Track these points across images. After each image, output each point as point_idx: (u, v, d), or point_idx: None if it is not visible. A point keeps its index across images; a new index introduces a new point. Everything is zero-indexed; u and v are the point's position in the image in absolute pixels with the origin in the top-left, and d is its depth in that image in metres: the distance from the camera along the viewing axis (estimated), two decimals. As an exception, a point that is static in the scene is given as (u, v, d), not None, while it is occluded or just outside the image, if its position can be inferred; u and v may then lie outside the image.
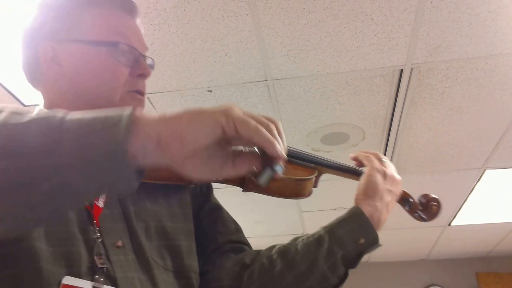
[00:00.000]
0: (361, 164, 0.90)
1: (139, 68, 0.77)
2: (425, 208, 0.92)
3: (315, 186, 0.90)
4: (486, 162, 2.77)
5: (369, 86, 2.08)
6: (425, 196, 0.93)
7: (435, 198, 0.92)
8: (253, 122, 0.49)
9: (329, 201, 3.25)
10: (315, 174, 0.88)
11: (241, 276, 0.82)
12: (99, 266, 0.64)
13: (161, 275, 0.72)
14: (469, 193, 3.17)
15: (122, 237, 0.70)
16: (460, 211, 3.45)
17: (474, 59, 1.91)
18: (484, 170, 2.88)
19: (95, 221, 0.67)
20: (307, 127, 2.39)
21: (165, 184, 0.78)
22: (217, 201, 0.93)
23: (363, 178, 0.86)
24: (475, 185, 3.07)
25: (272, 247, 0.85)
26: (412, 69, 1.97)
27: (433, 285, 4.57)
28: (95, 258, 0.64)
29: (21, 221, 0.49)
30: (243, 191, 0.83)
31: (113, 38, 0.75)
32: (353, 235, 0.79)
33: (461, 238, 4.14)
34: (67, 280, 0.59)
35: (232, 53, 1.86)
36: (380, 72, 2.00)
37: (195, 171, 0.49)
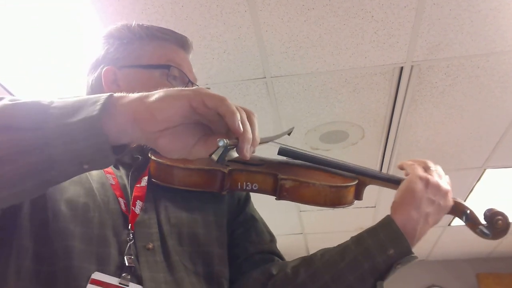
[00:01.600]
0: (407, 173, 0.85)
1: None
2: (489, 223, 0.83)
3: (358, 198, 0.86)
4: (486, 161, 2.75)
5: (368, 84, 2.07)
6: (490, 210, 0.85)
7: (501, 212, 0.84)
8: (219, 96, 0.52)
9: (329, 201, 3.24)
10: (354, 183, 0.84)
11: (265, 286, 0.82)
12: (127, 264, 0.68)
13: (188, 278, 0.74)
14: (469, 193, 3.16)
15: (154, 241, 0.74)
16: (461, 211, 3.43)
17: (475, 57, 1.90)
18: (485, 170, 2.86)
19: (130, 225, 0.72)
20: (306, 125, 2.38)
21: (200, 192, 0.81)
22: (253, 212, 0.94)
23: (401, 185, 0.81)
24: (475, 184, 3.05)
25: (301, 257, 0.85)
26: (412, 66, 1.96)
27: (433, 286, 4.55)
28: (125, 258, 0.69)
29: (10, 192, 0.53)
30: (276, 199, 0.82)
31: (165, 62, 0.86)
32: (381, 245, 0.75)
33: (462, 239, 4.12)
34: (96, 275, 0.65)
35: (230, 50, 1.85)
36: (380, 70, 1.98)
37: (168, 148, 0.53)
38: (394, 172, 2.84)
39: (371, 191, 3.49)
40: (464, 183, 3.04)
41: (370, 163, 2.79)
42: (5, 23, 1.70)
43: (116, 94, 0.54)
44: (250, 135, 0.52)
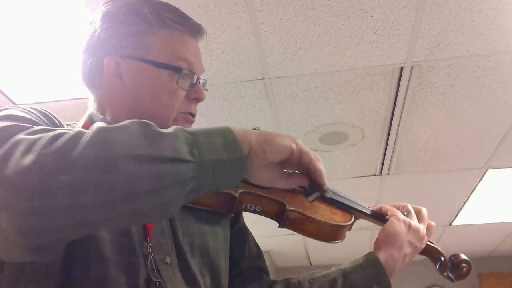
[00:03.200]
0: (385, 214, 0.93)
1: (195, 93, 0.82)
2: (454, 268, 0.95)
3: (349, 229, 0.92)
4: (488, 161, 2.74)
5: (368, 84, 2.05)
6: (456, 256, 0.95)
7: (466, 260, 0.95)
8: (313, 154, 0.65)
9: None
10: (352, 221, 0.89)
11: None
12: (154, 279, 0.68)
13: None
14: (471, 193, 3.15)
15: (170, 254, 0.73)
16: (462, 210, 3.42)
17: (475, 57, 1.88)
18: (486, 170, 2.85)
19: (148, 235, 0.72)
20: (305, 126, 2.36)
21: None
22: (244, 223, 0.95)
23: (385, 225, 0.89)
24: (477, 184, 3.04)
25: (288, 279, 0.88)
26: (412, 67, 1.94)
27: (434, 285, 4.54)
28: (149, 272, 0.68)
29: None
30: (279, 226, 0.85)
31: (176, 63, 0.80)
32: (366, 281, 0.82)
33: (463, 238, 4.11)
34: None
35: (228, 51, 1.83)
36: (380, 70, 1.97)
37: (259, 178, 0.65)
38: (394, 172, 2.82)
39: (372, 193, 3.46)
40: (465, 183, 3.03)
41: (370, 165, 2.78)
42: (1, 23, 1.69)
43: (236, 130, 0.61)
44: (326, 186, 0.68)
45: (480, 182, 3.00)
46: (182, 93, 0.81)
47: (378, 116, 2.29)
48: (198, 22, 0.86)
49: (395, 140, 2.49)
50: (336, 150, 2.60)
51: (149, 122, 0.57)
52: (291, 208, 0.81)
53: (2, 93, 2.06)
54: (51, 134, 0.52)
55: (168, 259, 0.72)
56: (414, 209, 0.93)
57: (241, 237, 0.91)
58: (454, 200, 3.28)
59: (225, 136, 0.59)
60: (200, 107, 0.89)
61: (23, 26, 1.71)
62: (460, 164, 2.77)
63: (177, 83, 0.79)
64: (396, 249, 0.85)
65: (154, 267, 0.69)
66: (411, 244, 0.87)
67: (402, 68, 1.95)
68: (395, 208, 0.92)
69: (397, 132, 2.42)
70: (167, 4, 0.83)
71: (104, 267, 0.64)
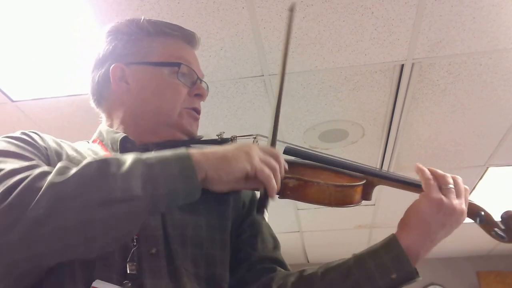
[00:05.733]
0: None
1: (197, 89, 0.88)
2: (506, 226, 0.81)
3: (367, 198, 0.83)
4: (489, 159, 2.73)
5: (368, 81, 2.04)
6: (507, 212, 0.81)
7: None
8: (267, 171, 0.69)
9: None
10: (361, 183, 0.81)
11: None
12: (129, 272, 0.69)
13: (190, 283, 0.74)
14: (472, 191, 3.11)
15: (158, 245, 0.74)
16: (462, 209, 3.41)
17: (477, 54, 1.87)
18: (487, 168, 2.84)
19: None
20: (305, 123, 2.35)
21: (205, 195, 0.82)
22: (259, 216, 0.93)
23: (413, 204, 0.76)
24: (477, 182, 3.03)
25: (302, 271, 0.83)
26: (413, 64, 1.92)
27: (433, 284, 4.54)
28: (128, 264, 0.69)
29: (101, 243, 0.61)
30: (279, 197, 0.82)
31: (175, 60, 0.87)
32: (384, 269, 0.73)
33: (462, 236, 4.09)
34: (97, 283, 0.66)
35: (227, 48, 1.81)
36: (380, 68, 1.95)
37: (220, 189, 0.68)
38: (394, 170, 2.81)
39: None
40: (466, 181, 2.91)
41: (370, 162, 2.76)
42: (-3, 20, 1.67)
43: (194, 157, 0.65)
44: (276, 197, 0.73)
45: (481, 180, 2.99)
46: (184, 89, 0.86)
47: (378, 113, 2.28)
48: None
49: (395, 138, 2.48)
50: (336, 148, 2.59)
51: (108, 160, 0.62)
52: (287, 175, 0.77)
53: (0, 90, 2.04)
54: (6, 186, 0.58)
55: (154, 250, 0.73)
56: (439, 180, 0.76)
57: (253, 230, 0.90)
58: (454, 198, 3.27)
59: (182, 165, 0.63)
60: (199, 104, 0.90)
61: (20, 23, 1.69)
62: (461, 162, 2.76)
63: (177, 78, 0.85)
64: (421, 233, 0.73)
65: (136, 258, 0.70)
66: (443, 225, 0.74)
67: (402, 65, 1.94)
68: (432, 178, 0.76)
69: (397, 130, 2.40)
70: (164, 21, 0.92)
71: (72, 265, 0.66)
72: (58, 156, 0.75)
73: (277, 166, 0.70)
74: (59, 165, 0.61)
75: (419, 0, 1.60)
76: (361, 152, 2.64)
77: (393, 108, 2.23)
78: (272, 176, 0.69)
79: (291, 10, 0.82)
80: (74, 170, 0.59)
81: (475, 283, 4.57)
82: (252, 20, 1.69)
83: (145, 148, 0.82)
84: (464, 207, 0.76)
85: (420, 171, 0.78)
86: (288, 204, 3.32)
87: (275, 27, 1.72)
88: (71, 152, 0.78)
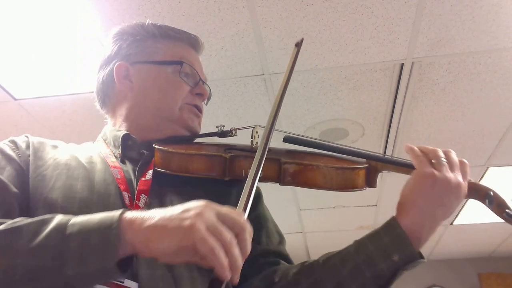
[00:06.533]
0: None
1: (199, 89, 0.91)
2: None
3: (371, 185, 0.81)
4: (489, 159, 2.72)
5: (369, 80, 2.04)
6: None
7: None
8: (209, 244, 0.53)
9: (328, 199, 3.22)
10: (362, 166, 0.79)
11: None
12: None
13: (189, 273, 0.73)
14: (471, 192, 3.13)
15: None
16: (463, 210, 3.40)
17: (476, 53, 1.87)
18: (487, 168, 2.84)
19: None
20: (305, 122, 2.35)
21: (206, 186, 0.81)
22: (265, 210, 0.93)
23: (407, 183, 0.74)
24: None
25: (304, 262, 0.82)
26: (413, 63, 1.93)
27: (434, 285, 4.53)
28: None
29: None
30: (280, 184, 0.80)
31: (178, 59, 0.89)
32: (385, 250, 0.71)
33: (463, 238, 4.10)
34: None
35: (228, 47, 1.82)
36: (380, 67, 1.96)
37: (165, 261, 0.57)
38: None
39: (371, 191, 3.45)
40: None
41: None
42: (1, 19, 1.69)
43: (124, 225, 0.57)
44: (229, 275, 0.54)
45: (481, 180, 2.99)
46: (186, 87, 0.88)
47: (378, 112, 2.28)
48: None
49: (395, 137, 2.48)
50: (336, 147, 2.59)
51: (20, 227, 0.58)
52: (287, 161, 0.76)
53: (2, 88, 2.06)
54: None
55: None
56: (431, 155, 0.74)
57: (257, 224, 0.89)
58: (454, 199, 3.26)
59: (105, 237, 0.56)
60: (200, 103, 0.92)
61: (23, 21, 1.70)
62: (461, 162, 2.76)
63: (180, 76, 0.88)
64: (420, 212, 0.71)
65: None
66: (441, 201, 0.71)
67: (402, 65, 1.94)
68: (422, 155, 0.74)
69: (397, 129, 2.41)
70: (168, 25, 0.94)
71: None
72: (36, 160, 0.78)
73: (231, 240, 0.54)
74: None
75: (419, 0, 1.61)
76: (361, 152, 2.64)
77: (393, 107, 2.23)
78: (217, 250, 0.53)
79: (297, 45, 0.82)
80: None
81: (476, 284, 4.56)
82: (252, 19, 1.70)
83: (147, 145, 0.84)
84: (460, 179, 0.73)
85: (410, 150, 0.76)
86: (291, 205, 3.32)
87: (275, 26, 1.73)
88: (57, 156, 0.80)
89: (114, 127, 0.89)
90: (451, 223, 3.73)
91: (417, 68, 1.96)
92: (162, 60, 0.88)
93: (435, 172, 0.71)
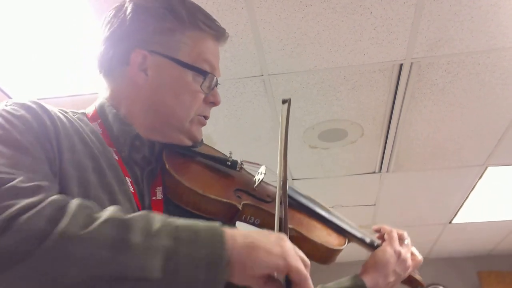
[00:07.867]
0: (382, 237, 1.00)
1: (213, 97, 0.86)
2: None
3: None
4: (488, 159, 2.73)
5: (367, 81, 2.04)
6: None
7: None
8: (304, 272, 0.59)
9: (327, 200, 3.22)
10: (345, 245, 0.93)
11: None
12: None
13: None
14: (471, 191, 3.13)
15: None
16: (462, 208, 3.41)
17: (475, 53, 1.87)
18: (486, 167, 2.84)
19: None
20: (304, 123, 2.35)
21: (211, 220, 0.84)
22: None
23: (378, 251, 0.95)
24: (476, 182, 3.03)
25: None
26: (412, 63, 1.93)
27: (434, 284, 4.54)
28: None
29: None
30: None
31: (202, 65, 0.82)
32: None
33: (463, 237, 4.10)
34: None
35: (227, 48, 1.82)
36: (379, 67, 1.96)
37: (234, 281, 0.58)
38: (394, 169, 2.82)
39: (371, 189, 3.44)
40: (465, 181, 3.02)
41: (370, 162, 2.77)
42: (0, 19, 1.68)
43: (228, 242, 0.57)
44: None
45: (480, 180, 2.99)
46: (201, 96, 0.83)
47: (377, 113, 2.28)
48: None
49: (394, 137, 2.48)
50: (335, 147, 2.60)
51: (130, 223, 0.56)
52: (289, 226, 0.80)
53: (1, 89, 2.05)
54: (5, 215, 0.51)
55: None
56: (400, 236, 0.98)
57: None
58: (453, 198, 3.27)
59: (212, 249, 0.56)
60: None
61: (22, 22, 1.70)
62: (460, 161, 2.76)
63: (200, 86, 0.82)
64: (382, 276, 0.92)
65: None
66: (397, 273, 0.94)
67: (401, 65, 1.94)
68: (394, 234, 0.97)
69: (396, 129, 2.41)
70: (199, 6, 0.85)
71: None
72: (57, 135, 0.70)
73: (308, 274, 0.60)
74: (76, 205, 0.56)
75: (417, 0, 1.61)
76: (360, 152, 2.65)
77: (392, 108, 2.24)
78: (309, 279, 0.59)
79: (285, 102, 0.86)
80: (92, 227, 0.54)
81: (476, 282, 4.57)
82: (251, 20, 1.69)
83: (151, 146, 0.82)
84: (410, 262, 0.98)
85: (382, 228, 1.01)
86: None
87: (274, 27, 1.73)
88: (68, 127, 0.76)
89: (119, 114, 0.81)
90: (450, 222, 3.73)
91: (416, 69, 1.96)
92: (185, 63, 0.81)
93: (402, 250, 0.96)
